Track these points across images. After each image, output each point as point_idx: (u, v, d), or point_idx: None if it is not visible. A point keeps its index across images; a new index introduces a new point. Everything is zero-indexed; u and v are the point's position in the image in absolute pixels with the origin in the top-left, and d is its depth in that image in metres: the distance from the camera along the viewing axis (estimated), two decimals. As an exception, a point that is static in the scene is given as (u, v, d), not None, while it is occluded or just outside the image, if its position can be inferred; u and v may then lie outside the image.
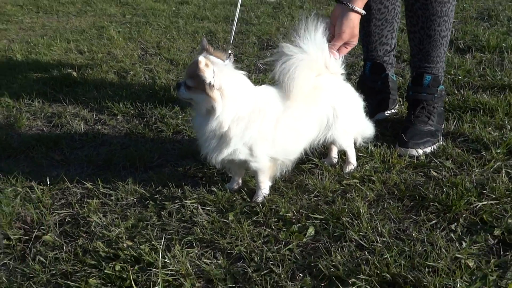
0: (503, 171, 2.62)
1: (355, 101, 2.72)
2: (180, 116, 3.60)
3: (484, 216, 2.31)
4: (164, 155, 3.15)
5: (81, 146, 3.35)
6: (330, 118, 2.61)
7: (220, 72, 2.30)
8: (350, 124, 2.69)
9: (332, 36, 2.60)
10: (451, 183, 2.55)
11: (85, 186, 2.82)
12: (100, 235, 2.41)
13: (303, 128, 2.56)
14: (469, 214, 2.35)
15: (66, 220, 2.57)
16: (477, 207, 2.38)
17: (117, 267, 2.18)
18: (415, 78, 3.12)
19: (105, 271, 2.16)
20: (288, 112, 2.49)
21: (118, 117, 3.72)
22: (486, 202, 2.39)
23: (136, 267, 2.18)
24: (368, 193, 2.56)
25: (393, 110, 3.47)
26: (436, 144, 2.96)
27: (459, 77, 3.86)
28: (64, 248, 2.35)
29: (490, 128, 3.08)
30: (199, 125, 2.45)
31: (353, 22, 2.57)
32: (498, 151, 2.81)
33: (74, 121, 3.67)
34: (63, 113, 3.80)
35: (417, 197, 2.50)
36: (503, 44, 4.42)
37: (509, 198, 2.41)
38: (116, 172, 3.00)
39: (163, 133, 3.43)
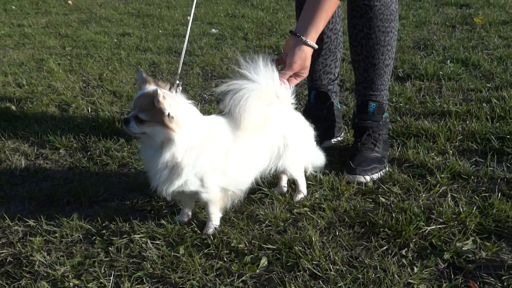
0: (449, 196, 2.68)
1: (306, 130, 2.74)
2: (125, 149, 3.52)
3: (433, 240, 2.35)
4: (110, 189, 3.07)
5: (21, 182, 3.22)
6: (281, 147, 2.61)
7: (174, 103, 2.27)
8: (300, 154, 2.70)
9: (283, 66, 2.63)
10: (400, 208, 2.59)
11: (27, 223, 2.70)
12: (45, 274, 2.30)
13: (254, 158, 2.55)
14: (419, 239, 2.38)
15: (8, 260, 2.44)
16: (426, 231, 2.42)
17: (64, 308, 2.09)
18: (360, 105, 3.17)
19: (51, 312, 2.06)
20: (238, 142, 2.48)
21: (61, 151, 3.61)
22: (434, 227, 2.43)
23: (84, 306, 2.09)
24: (319, 221, 2.56)
25: (339, 138, 3.52)
26: (383, 171, 3.01)
27: (401, 104, 3.96)
28: (6, 290, 2.24)
29: (433, 153, 3.16)
30: (151, 158, 2.39)
31: (305, 54, 2.61)
32: (442, 175, 2.87)
33: (14, 156, 3.53)
34: (2, 148, 3.66)
35: (367, 223, 2.52)
36: (440, 72, 4.58)
37: (455, 222, 2.46)
38: (60, 208, 2.90)
39: (108, 166, 3.35)
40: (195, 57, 5.75)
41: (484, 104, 3.77)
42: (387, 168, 3.04)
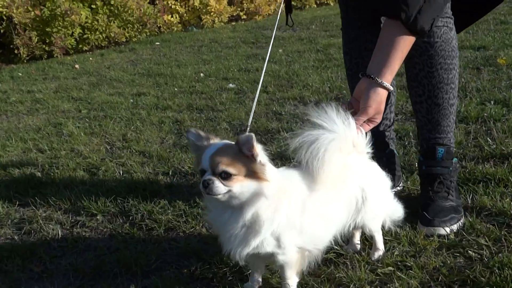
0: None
1: (383, 181, 2.50)
2: (169, 211, 3.27)
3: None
4: (162, 256, 2.79)
5: (61, 254, 2.95)
6: (359, 200, 2.36)
7: (259, 148, 2.07)
8: (380, 206, 2.45)
9: (354, 112, 2.40)
10: (499, 262, 2.32)
11: (79, 301, 2.42)
12: None
13: (332, 213, 2.30)
14: (531, 296, 2.11)
15: None
16: (536, 287, 2.15)
17: None
18: (427, 151, 2.95)
19: None
20: (315, 196, 2.23)
21: (98, 217, 3.35)
22: (545, 281, 2.17)
23: None
24: (411, 281, 2.28)
25: (398, 188, 3.27)
26: (461, 221, 2.75)
27: (454, 149, 3.73)
28: None
29: (508, 199, 2.91)
30: (227, 220, 2.12)
31: (380, 97, 2.40)
32: (529, 223, 2.62)
33: (48, 226, 3.26)
34: (34, 217, 3.39)
35: (468, 281, 2.25)
36: (485, 114, 4.38)
37: None
38: (110, 280, 2.62)
39: (154, 231, 3.08)
40: (219, 113, 5.56)
41: (547, 144, 3.55)
42: (464, 218, 2.78)
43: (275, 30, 3.13)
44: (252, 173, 2.06)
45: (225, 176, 2.03)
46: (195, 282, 2.52)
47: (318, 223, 2.26)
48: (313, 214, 2.23)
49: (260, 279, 2.43)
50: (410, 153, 3.75)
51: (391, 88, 2.44)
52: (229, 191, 2.05)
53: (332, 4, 16.39)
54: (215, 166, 2.04)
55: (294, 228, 2.19)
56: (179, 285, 2.45)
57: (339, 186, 2.29)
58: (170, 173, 3.97)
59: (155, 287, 2.49)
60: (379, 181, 2.47)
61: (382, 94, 2.41)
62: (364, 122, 2.43)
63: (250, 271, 2.43)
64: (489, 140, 3.84)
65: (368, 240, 2.64)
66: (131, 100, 6.62)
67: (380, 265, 2.45)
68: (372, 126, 2.48)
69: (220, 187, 2.03)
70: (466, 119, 4.37)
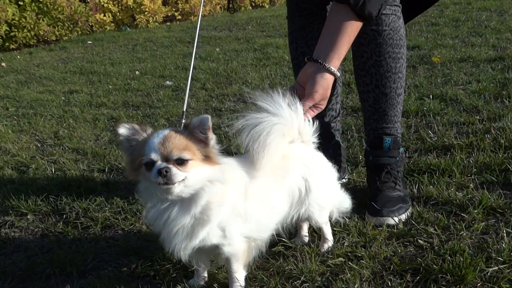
0: (504, 231, 2.40)
1: (329, 172, 2.40)
2: (106, 209, 3.08)
3: (501, 283, 2.05)
4: (99, 255, 2.62)
5: (-12, 256, 2.71)
6: (302, 191, 2.26)
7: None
8: (325, 198, 2.35)
9: (300, 97, 2.30)
10: (450, 250, 2.28)
11: (8, 305, 2.22)
12: None
13: (274, 201, 2.20)
14: (484, 283, 2.07)
15: None
16: (488, 273, 2.11)
17: None
18: (374, 141, 2.90)
19: None
20: (256, 183, 2.12)
21: (29, 216, 3.12)
22: (496, 268, 2.14)
23: None
24: (363, 271, 2.20)
25: (344, 180, 3.21)
26: (409, 210, 2.72)
27: (400, 139, 3.72)
28: None
29: (453, 189, 2.90)
30: (175, 215, 1.96)
31: (327, 82, 2.32)
32: (476, 211, 2.61)
33: (-28, 227, 3.01)
34: (-44, 219, 3.13)
35: (420, 269, 2.19)
36: (424, 108, 4.41)
37: (518, 260, 2.18)
38: (42, 282, 2.43)
39: (90, 229, 2.89)
40: (157, 109, 5.38)
41: (486, 135, 3.58)
42: (412, 207, 2.74)
43: (200, 17, 3.00)
44: (206, 157, 1.94)
45: (180, 162, 1.90)
46: (136, 281, 2.35)
47: (262, 210, 2.15)
48: (255, 200, 2.12)
49: (206, 275, 2.30)
50: (353, 146, 3.71)
51: (338, 74, 2.36)
52: (185, 178, 1.91)
53: (267, 6, 16.46)
54: (169, 152, 1.90)
55: (239, 216, 2.07)
56: (119, 284, 2.28)
57: (280, 174, 2.20)
58: (106, 170, 3.77)
59: (92, 287, 2.30)
60: (324, 172, 2.37)
61: (329, 79, 2.34)
62: (310, 108, 2.34)
63: (195, 267, 2.29)
64: (430, 132, 3.85)
65: (316, 232, 2.55)
66: (63, 98, 6.34)
67: (331, 256, 2.37)
68: (317, 112, 2.39)
69: (178, 174, 1.89)
70: (407, 113, 4.38)
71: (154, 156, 1.90)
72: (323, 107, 2.41)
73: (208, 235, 2.02)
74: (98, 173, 3.72)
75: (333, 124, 3.18)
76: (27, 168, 3.91)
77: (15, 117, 5.54)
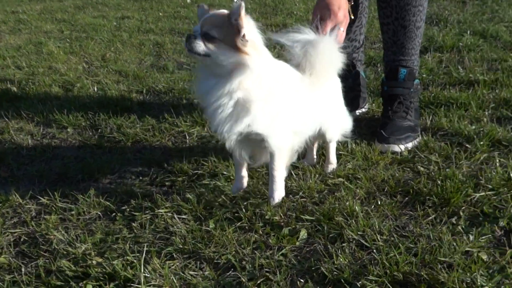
0: (497, 161, 2.50)
1: (340, 91, 2.55)
2: (138, 126, 3.32)
3: (484, 207, 2.17)
4: (126, 165, 2.87)
5: (30, 162, 3.01)
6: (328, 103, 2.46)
7: (252, 25, 2.08)
8: (340, 114, 2.54)
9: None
10: (443, 176, 2.40)
11: (40, 201, 2.51)
12: (64, 253, 2.10)
13: (317, 106, 2.37)
14: (468, 207, 2.20)
15: (22, 239, 2.25)
16: (475, 198, 2.23)
17: (89, 287, 1.89)
18: (390, 72, 2.99)
19: (76, 292, 1.86)
20: (305, 86, 2.28)
21: (69, 129, 3.40)
22: (484, 193, 2.25)
23: (112, 284, 1.90)
24: (357, 191, 2.37)
25: (363, 109, 3.33)
26: (417, 139, 2.83)
27: (424, 75, 3.78)
28: (23, 270, 2.03)
29: (466, 122, 2.98)
30: (211, 88, 2.12)
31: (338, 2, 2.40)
32: (482, 143, 2.69)
33: (19, 136, 3.32)
34: (5, 128, 3.44)
35: (411, 191, 2.34)
36: (460, 44, 4.40)
37: (506, 188, 2.28)
38: (73, 185, 2.70)
39: (121, 143, 3.15)
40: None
41: (513, 72, 3.59)
42: (420, 137, 2.85)
43: None
44: (234, 44, 2.03)
45: (208, 38, 2.04)
46: (155, 189, 2.60)
47: (308, 111, 2.32)
48: (304, 100, 2.28)
49: (246, 174, 2.46)
50: (380, 78, 3.78)
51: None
52: (210, 55, 2.05)
53: None
54: (203, 26, 2.06)
55: (288, 110, 2.21)
56: (139, 191, 2.53)
57: (324, 84, 2.36)
58: (144, 92, 4.01)
59: (115, 192, 2.56)
60: (339, 90, 2.53)
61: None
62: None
63: (235, 169, 2.45)
64: (460, 68, 3.88)
65: (324, 155, 2.71)
66: (115, 23, 6.58)
67: (332, 176, 2.54)
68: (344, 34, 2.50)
69: (199, 44, 2.04)
70: (441, 48, 4.40)
71: (196, 27, 2.09)
72: (345, 25, 2.50)
73: (256, 121, 2.14)
74: (136, 94, 3.96)
75: (355, 55, 3.27)
76: (72, 87, 4.19)
77: (68, 40, 5.84)
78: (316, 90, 2.32)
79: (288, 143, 2.28)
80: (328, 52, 2.30)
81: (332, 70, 2.37)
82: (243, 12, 1.98)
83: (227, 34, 2.02)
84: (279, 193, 2.32)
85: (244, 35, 2.02)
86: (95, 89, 4.08)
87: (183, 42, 2.10)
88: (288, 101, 2.20)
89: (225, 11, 2.10)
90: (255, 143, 2.26)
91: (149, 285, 1.86)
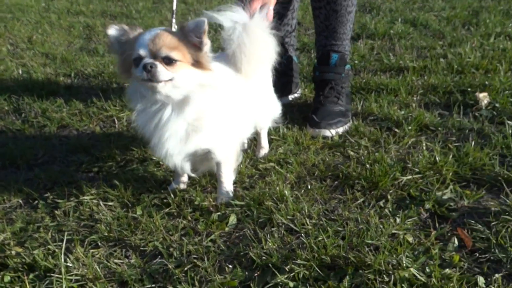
0: (424, 145, 2.54)
1: (270, 78, 2.52)
2: (64, 110, 3.20)
3: (411, 190, 2.20)
4: (50, 151, 2.76)
5: None
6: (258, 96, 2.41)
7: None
8: (270, 103, 2.50)
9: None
10: (372, 160, 2.42)
11: (-45, 190, 2.38)
12: (-20, 243, 2.00)
13: (253, 102, 2.33)
14: (396, 190, 2.22)
15: None
16: (402, 182, 2.26)
17: (6, 278, 1.80)
18: (321, 57, 2.99)
19: (-8, 283, 1.77)
20: (241, 87, 2.21)
21: (-11, 113, 3.25)
22: (410, 177, 2.29)
23: (31, 275, 1.81)
24: (288, 175, 2.36)
25: (296, 95, 3.32)
26: (348, 124, 2.84)
27: (356, 61, 3.82)
28: None
29: (396, 107, 3.02)
30: (168, 118, 1.96)
31: None
32: (410, 127, 2.74)
33: None
34: None
35: (340, 176, 2.35)
36: (391, 31, 4.47)
37: (432, 172, 2.32)
38: (-7, 172, 2.57)
39: (46, 128, 3.02)
40: (134, 20, 5.41)
41: (441, 60, 3.67)
42: (351, 122, 2.87)
43: None
44: (197, 62, 1.92)
45: (168, 62, 1.87)
46: (80, 175, 2.50)
47: (249, 109, 2.28)
48: (244, 100, 2.23)
49: (186, 179, 2.37)
50: (312, 64, 3.78)
51: None
52: (172, 79, 1.89)
53: None
54: (157, 50, 1.87)
55: (232, 120, 2.14)
56: (63, 178, 2.43)
57: (255, 77, 2.30)
58: (72, 75, 3.87)
59: (37, 178, 2.46)
60: (268, 78, 2.50)
61: None
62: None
63: (175, 174, 2.35)
64: (391, 55, 3.93)
65: (256, 140, 2.68)
66: (43, 4, 6.34)
67: (263, 161, 2.52)
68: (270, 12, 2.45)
69: (163, 72, 1.86)
70: (373, 36, 4.45)
71: (142, 51, 1.87)
72: (272, 4, 2.45)
73: (203, 140, 2.05)
74: (64, 78, 3.82)
75: (287, 39, 3.25)
76: (-5, 70, 4.00)
77: (-8, 21, 5.58)
78: (249, 85, 2.25)
79: (235, 150, 2.23)
80: (260, 37, 2.20)
81: (267, 61, 2.30)
82: (207, 28, 1.89)
83: (187, 53, 1.91)
84: (227, 197, 2.22)
85: (206, 51, 1.93)
86: (20, 72, 3.91)
87: (140, 72, 1.86)
88: (234, 110, 2.14)
89: (168, 29, 1.97)
90: (199, 156, 2.16)
91: (71, 275, 1.79)
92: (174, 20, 2.21)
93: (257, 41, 2.19)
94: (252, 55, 2.18)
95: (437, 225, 2.00)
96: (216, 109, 2.03)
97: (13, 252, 1.93)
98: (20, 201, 2.30)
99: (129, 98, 2.07)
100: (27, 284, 1.74)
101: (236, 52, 2.16)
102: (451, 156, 2.40)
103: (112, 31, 1.97)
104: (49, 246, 1.95)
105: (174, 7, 2.40)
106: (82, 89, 3.59)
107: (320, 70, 2.99)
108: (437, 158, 2.39)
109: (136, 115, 2.05)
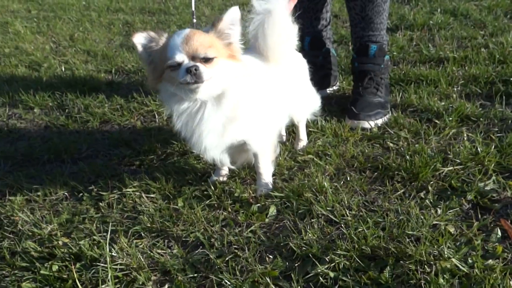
0: (465, 136, 2.51)
1: (307, 71, 2.52)
2: (106, 105, 3.27)
3: (452, 181, 2.17)
4: (93, 145, 2.82)
5: (-5, 143, 2.95)
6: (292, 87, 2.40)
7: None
8: (307, 95, 2.51)
9: None
10: (412, 151, 2.40)
11: (5, 182, 2.46)
12: (30, 234, 2.06)
13: (286, 92, 2.33)
14: (437, 181, 2.20)
15: (-15, 221, 2.20)
16: (443, 173, 2.24)
17: (55, 267, 1.86)
18: (360, 49, 2.97)
19: (41, 272, 1.83)
20: (272, 76, 2.22)
21: (35, 110, 3.34)
22: (452, 168, 2.26)
23: (78, 265, 1.87)
24: (327, 167, 2.36)
25: (334, 87, 3.32)
26: (387, 116, 2.82)
27: (394, 53, 3.78)
28: (-14, 251, 1.99)
29: (436, 98, 2.98)
30: (208, 114, 1.97)
31: None
32: (451, 118, 2.70)
33: (-17, 117, 3.25)
34: (-31, 110, 3.37)
35: (379, 167, 2.34)
36: (430, 22, 4.40)
37: (473, 163, 2.29)
38: (39, 166, 2.65)
39: (89, 123, 3.09)
40: (171, 16, 5.48)
41: (482, 50, 3.60)
42: (390, 114, 2.85)
43: None
44: (230, 55, 1.94)
45: (206, 60, 1.88)
46: (123, 168, 2.55)
47: (282, 100, 2.27)
48: (275, 91, 2.23)
49: (227, 171, 2.39)
50: (351, 56, 3.77)
51: None
52: (211, 77, 1.89)
53: None
54: (194, 51, 1.86)
55: (266, 109, 2.15)
56: (107, 171, 2.49)
57: (285, 68, 2.31)
58: (112, 71, 3.94)
59: (82, 172, 2.52)
60: (306, 71, 2.51)
61: None
62: None
63: (215, 166, 2.37)
64: (430, 45, 3.88)
65: (294, 133, 2.69)
66: (83, 2, 6.46)
67: (301, 153, 2.53)
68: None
69: (206, 71, 1.86)
70: (412, 27, 4.40)
71: (179, 56, 1.86)
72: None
73: (239, 130, 2.06)
74: (104, 74, 3.90)
75: (324, 33, 3.24)
76: (39, 67, 4.11)
77: (35, 20, 5.71)
78: (280, 75, 2.26)
79: (271, 141, 2.23)
80: (277, 19, 2.16)
81: (286, 43, 2.27)
82: (239, 15, 1.92)
83: (219, 47, 1.91)
84: (266, 189, 2.23)
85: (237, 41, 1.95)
86: (63, 69, 4.00)
87: (182, 76, 1.85)
88: (266, 98, 2.14)
89: (193, 29, 1.95)
90: (236, 148, 2.17)
91: (116, 264, 1.83)
92: (194, 21, 2.23)
93: (276, 23, 2.16)
94: (270, 36, 2.16)
95: (479, 216, 1.97)
96: (249, 97, 2.04)
97: (60, 243, 2.00)
98: (66, 193, 2.36)
99: (166, 104, 2.08)
100: (74, 273, 1.79)
101: (257, 34, 2.16)
102: (493, 146, 2.36)
103: (139, 39, 1.95)
104: (94, 237, 2.00)
105: (193, 8, 2.41)
106: (122, 84, 3.66)
107: (359, 61, 2.97)
108: (479, 149, 2.36)
109: (176, 118, 2.04)
